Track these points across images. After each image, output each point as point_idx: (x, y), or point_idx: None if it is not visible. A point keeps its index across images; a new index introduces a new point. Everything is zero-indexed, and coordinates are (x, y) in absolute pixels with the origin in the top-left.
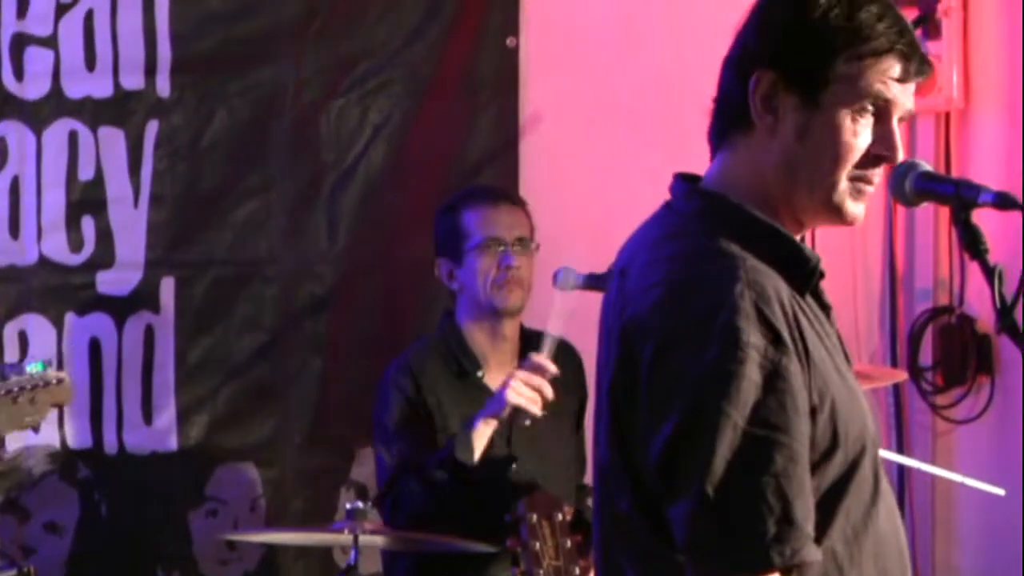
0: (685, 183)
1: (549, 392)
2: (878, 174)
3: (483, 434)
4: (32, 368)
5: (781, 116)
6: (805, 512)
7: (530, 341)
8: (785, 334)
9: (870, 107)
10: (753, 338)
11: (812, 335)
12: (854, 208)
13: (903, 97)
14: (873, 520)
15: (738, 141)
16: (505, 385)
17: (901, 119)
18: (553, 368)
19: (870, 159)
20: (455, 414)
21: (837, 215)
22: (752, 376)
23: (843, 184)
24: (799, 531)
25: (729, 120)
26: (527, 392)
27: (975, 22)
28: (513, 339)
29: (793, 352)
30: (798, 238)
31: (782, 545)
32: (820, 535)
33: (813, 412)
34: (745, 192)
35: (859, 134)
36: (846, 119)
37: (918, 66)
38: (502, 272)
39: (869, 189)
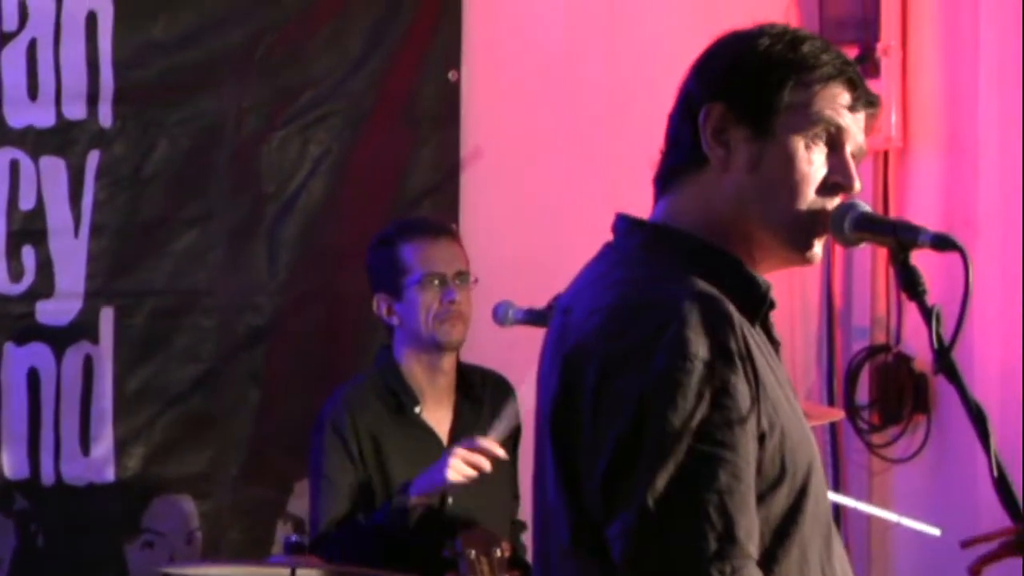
0: (627, 221)
1: (488, 468)
2: (834, 204)
3: (418, 506)
4: None
5: (733, 148)
6: (747, 531)
7: (466, 376)
8: (734, 353)
9: (823, 135)
10: (701, 351)
11: (762, 362)
12: (814, 247)
13: (855, 128)
14: (829, 554)
15: (687, 180)
16: (444, 462)
17: (854, 156)
18: (500, 453)
19: (827, 188)
20: (392, 450)
21: (795, 250)
22: (698, 390)
23: (796, 215)
24: (741, 549)
25: (678, 161)
26: (466, 471)
27: (914, 61)
28: (450, 374)
29: (742, 372)
30: None
31: (722, 563)
32: (773, 566)
33: (762, 438)
34: (694, 226)
35: (813, 162)
36: (799, 146)
37: (866, 97)
38: (444, 307)
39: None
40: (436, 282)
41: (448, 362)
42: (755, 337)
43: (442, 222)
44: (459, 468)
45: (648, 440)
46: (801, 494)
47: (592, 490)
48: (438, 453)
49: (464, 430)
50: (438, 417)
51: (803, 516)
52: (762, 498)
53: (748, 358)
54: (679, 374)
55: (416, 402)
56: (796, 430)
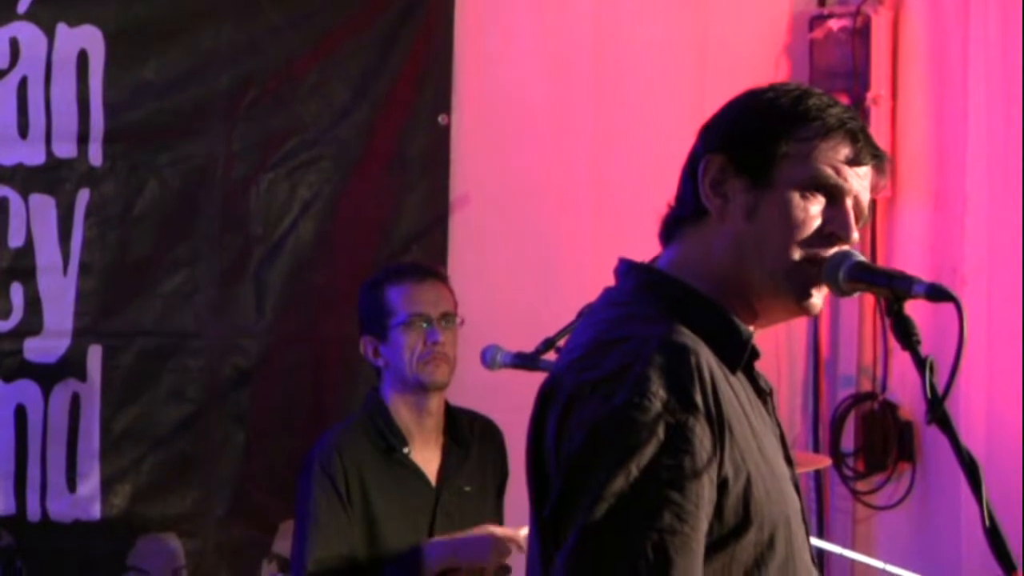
0: (628, 264)
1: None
2: (830, 254)
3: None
4: None
5: (731, 198)
6: (684, 573)
7: (454, 419)
8: (698, 398)
9: (821, 186)
10: (661, 391)
11: (735, 409)
12: (812, 297)
13: (856, 183)
14: None
15: (688, 231)
16: (488, 540)
17: (855, 209)
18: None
19: (823, 237)
20: (379, 490)
21: (794, 302)
22: (653, 428)
23: (792, 264)
24: None
25: (680, 213)
26: (507, 549)
27: (904, 111)
28: (438, 415)
29: (704, 417)
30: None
31: None
32: None
33: (724, 483)
34: (692, 274)
35: (809, 211)
36: (795, 196)
37: (870, 149)
38: (428, 348)
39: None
40: (421, 323)
41: (435, 403)
42: (732, 384)
43: (431, 265)
44: (503, 548)
45: (596, 471)
46: (768, 547)
47: (546, 514)
48: (427, 494)
49: (452, 471)
50: (426, 458)
51: (767, 569)
52: (724, 544)
53: (714, 404)
54: (635, 411)
55: (404, 443)
56: (767, 481)
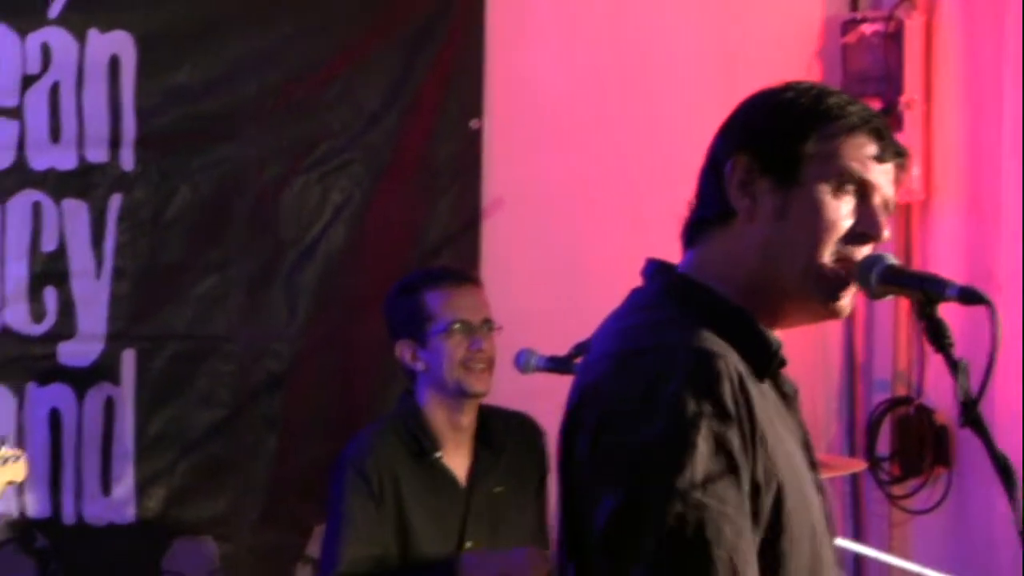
0: (655, 266)
1: None
2: (861, 253)
3: None
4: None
5: (758, 199)
6: None
7: (487, 422)
8: (731, 408)
9: (850, 185)
10: (700, 409)
11: (764, 415)
12: (841, 300)
13: (882, 180)
14: None
15: (714, 233)
16: (523, 553)
17: (883, 207)
18: None
19: (854, 237)
20: (411, 493)
21: (821, 301)
22: (699, 448)
23: (823, 264)
24: None
25: (705, 215)
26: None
27: (938, 114)
28: (472, 420)
29: (737, 427)
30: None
31: None
32: None
33: (757, 490)
34: (717, 278)
35: (840, 210)
36: (826, 195)
37: (894, 148)
38: (471, 354)
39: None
40: (462, 330)
41: (470, 408)
42: (760, 391)
43: (465, 270)
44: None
45: (651, 499)
46: (797, 553)
47: (593, 540)
48: (457, 496)
49: (482, 473)
50: (457, 462)
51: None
52: (759, 553)
53: (746, 413)
54: (678, 434)
55: (437, 447)
56: (795, 488)
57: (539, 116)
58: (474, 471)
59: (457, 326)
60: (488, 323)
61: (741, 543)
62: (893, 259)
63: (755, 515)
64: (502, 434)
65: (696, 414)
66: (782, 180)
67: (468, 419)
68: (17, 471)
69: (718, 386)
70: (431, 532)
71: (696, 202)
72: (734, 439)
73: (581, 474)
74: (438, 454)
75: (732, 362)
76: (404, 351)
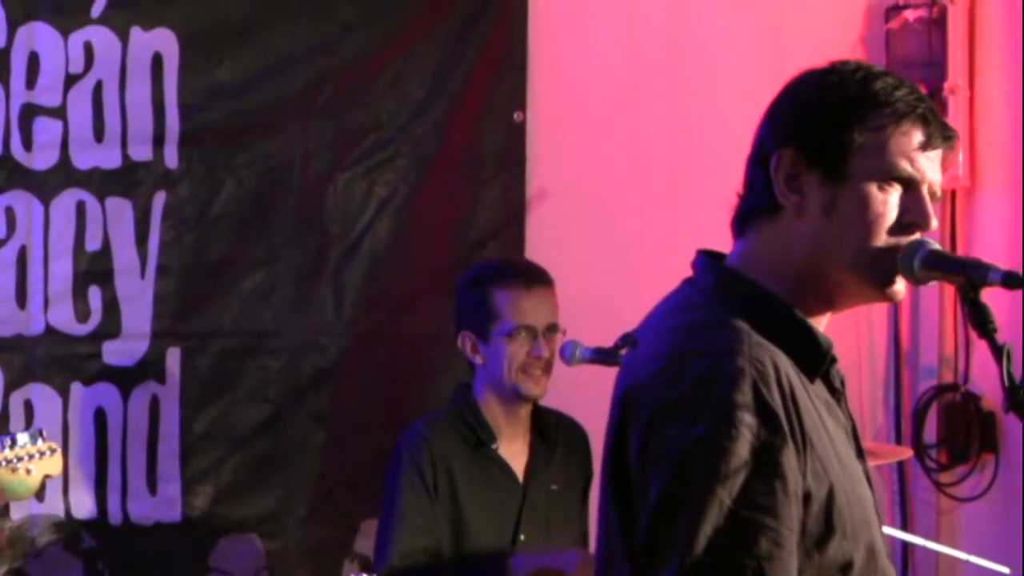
0: (707, 258)
1: None
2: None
3: None
4: (22, 438)
5: (807, 194)
6: None
7: (542, 417)
8: (781, 414)
9: (898, 180)
10: (747, 416)
11: (813, 418)
12: (896, 284)
13: (929, 168)
14: None
15: (763, 225)
16: (573, 555)
17: (930, 194)
18: None
19: (902, 227)
20: (466, 483)
21: (878, 290)
22: (742, 455)
23: (874, 256)
24: None
25: (753, 206)
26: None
27: (981, 100)
28: (527, 415)
29: (788, 434)
30: (823, 322)
31: None
32: None
33: (807, 496)
34: (767, 272)
35: (888, 203)
36: (873, 189)
37: (941, 132)
38: (531, 360)
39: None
40: (525, 335)
41: (526, 407)
42: (810, 391)
43: (538, 269)
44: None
45: (689, 502)
46: (853, 553)
47: (636, 540)
48: (514, 489)
49: (539, 469)
50: (514, 454)
51: (852, 573)
52: (809, 555)
53: (795, 417)
54: (723, 440)
55: (494, 439)
56: (846, 488)
57: (582, 108)
58: (531, 465)
59: (521, 330)
60: (552, 328)
61: (779, 552)
62: (935, 244)
63: (805, 521)
64: (554, 431)
65: (742, 421)
66: (829, 174)
67: (524, 414)
68: (53, 465)
69: (766, 392)
70: (485, 524)
71: (744, 192)
72: (781, 446)
73: (633, 473)
74: (494, 445)
75: (782, 367)
76: (466, 342)
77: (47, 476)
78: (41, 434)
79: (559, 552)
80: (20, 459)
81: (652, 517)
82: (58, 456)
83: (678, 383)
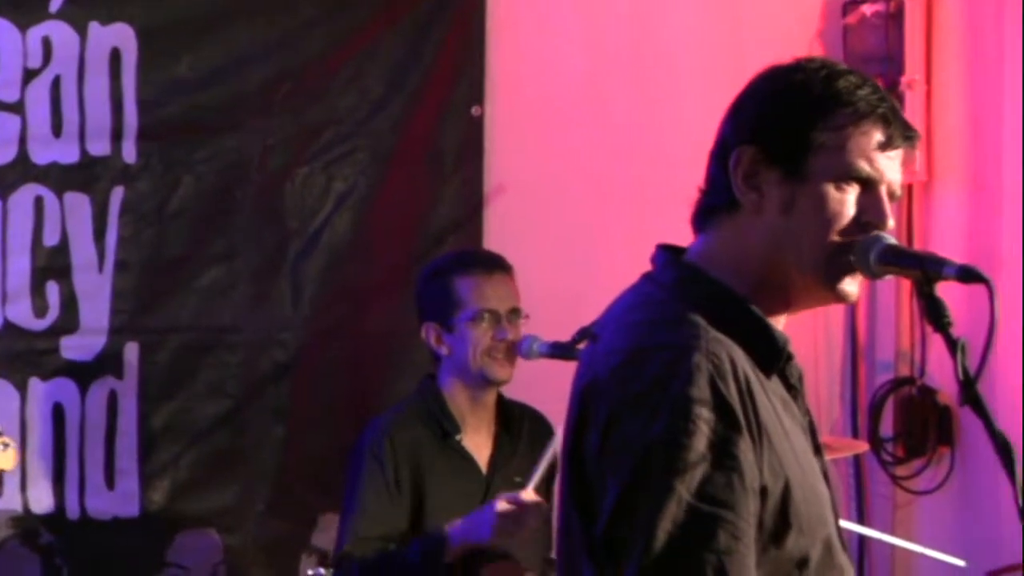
0: (666, 253)
1: (535, 526)
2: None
3: (456, 553)
4: None
5: (765, 192)
6: None
7: (507, 410)
8: (737, 409)
9: (855, 181)
10: (704, 411)
11: (769, 414)
12: (848, 285)
13: (888, 167)
14: None
15: (723, 221)
16: (488, 518)
17: (889, 194)
18: (542, 503)
19: (860, 226)
20: (431, 475)
21: (830, 290)
22: (700, 449)
23: (830, 255)
24: None
25: (714, 202)
26: (511, 529)
27: (938, 95)
28: (491, 405)
29: (744, 428)
30: (781, 320)
31: None
32: None
33: (764, 491)
34: (727, 269)
35: (846, 203)
36: (831, 188)
37: (902, 131)
38: (496, 344)
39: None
40: (489, 319)
41: (491, 395)
42: (766, 388)
43: (498, 256)
44: (504, 527)
45: (648, 497)
46: (808, 548)
47: (597, 537)
48: (477, 481)
49: (503, 461)
50: (478, 446)
51: (808, 570)
52: (766, 550)
53: (752, 412)
54: (681, 435)
55: (458, 430)
56: (801, 483)
57: (542, 103)
58: (495, 457)
59: (484, 315)
60: (516, 312)
61: (736, 546)
62: (891, 239)
63: (762, 515)
64: (519, 423)
65: (699, 416)
66: (788, 173)
67: (488, 405)
68: (6, 460)
69: (723, 387)
70: (447, 514)
71: (706, 187)
72: (738, 440)
73: (592, 469)
74: (458, 437)
75: (739, 362)
76: (430, 333)
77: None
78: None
79: (472, 516)
80: None
81: (612, 513)
82: (11, 451)
83: (636, 380)
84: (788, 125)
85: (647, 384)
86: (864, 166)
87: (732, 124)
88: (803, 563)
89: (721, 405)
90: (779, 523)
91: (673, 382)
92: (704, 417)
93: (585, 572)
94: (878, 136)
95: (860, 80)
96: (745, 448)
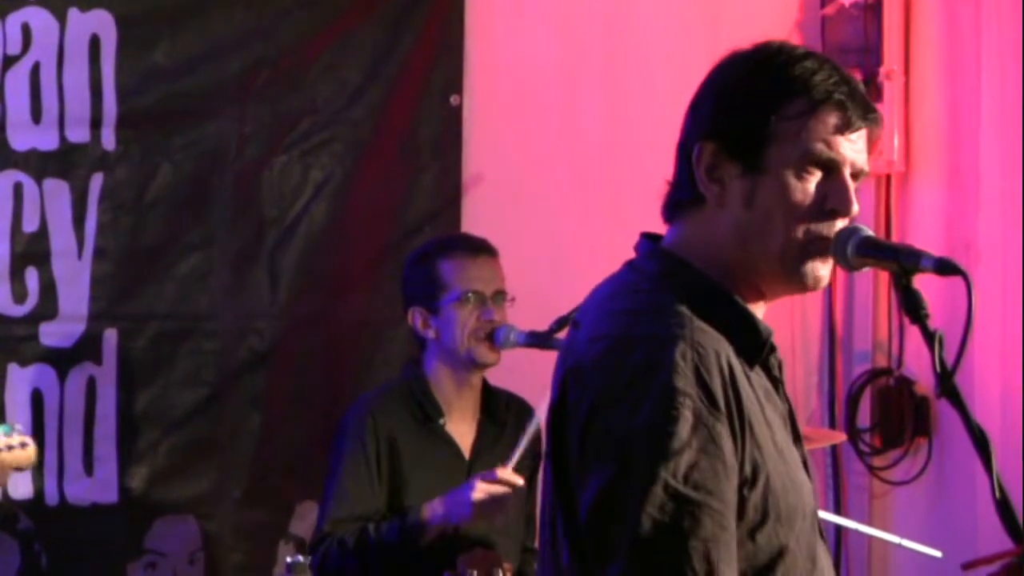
0: (650, 242)
1: (513, 502)
2: (833, 229)
3: (434, 532)
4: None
5: (727, 186)
6: None
7: (491, 396)
8: (721, 400)
9: (814, 167)
10: (688, 400)
11: (752, 404)
12: (814, 271)
13: (850, 151)
14: None
15: (690, 215)
16: (466, 497)
17: (855, 176)
18: (519, 481)
19: (824, 214)
20: (412, 458)
21: (797, 280)
22: (684, 438)
23: (797, 245)
24: None
25: (680, 196)
26: (490, 508)
27: (917, 86)
28: (476, 391)
29: (727, 419)
30: (759, 311)
31: None
32: None
33: (744, 483)
34: (703, 261)
35: (807, 192)
36: (791, 178)
37: (862, 113)
38: (482, 325)
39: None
40: (474, 300)
41: (476, 379)
42: (750, 378)
43: (482, 240)
44: (483, 505)
45: (633, 486)
46: (787, 538)
47: (579, 522)
48: (459, 466)
49: (486, 447)
50: (461, 431)
51: (787, 559)
52: (744, 539)
53: (735, 403)
54: (665, 423)
55: (441, 414)
56: (782, 475)
57: (520, 92)
58: (478, 444)
59: (469, 297)
60: (501, 294)
61: (722, 534)
62: (868, 231)
63: (743, 504)
64: (504, 411)
65: (684, 405)
66: (748, 165)
67: (473, 389)
68: (24, 457)
69: (707, 377)
70: (427, 498)
71: (673, 181)
72: (722, 431)
73: (575, 458)
74: (441, 421)
75: (724, 354)
76: (416, 318)
77: (18, 468)
78: (14, 428)
79: (452, 493)
80: None
81: (595, 502)
82: (31, 449)
83: (620, 369)
84: (744, 119)
85: (631, 373)
86: (822, 149)
87: (693, 118)
88: (782, 552)
89: (705, 395)
90: (759, 513)
91: (657, 372)
92: (688, 406)
93: (567, 561)
94: (835, 120)
95: (816, 64)
96: (727, 437)
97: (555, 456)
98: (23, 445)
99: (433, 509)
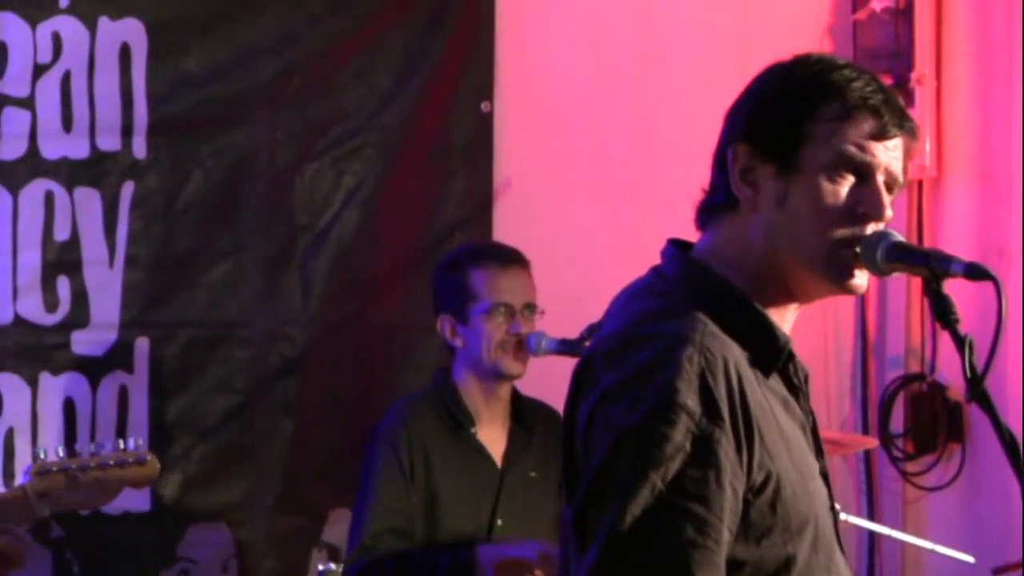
0: (675, 247)
1: None
2: (864, 232)
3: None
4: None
5: (760, 188)
6: None
7: (521, 404)
8: (724, 405)
9: (847, 170)
10: (688, 403)
11: (764, 413)
12: (856, 278)
13: (885, 157)
14: None
15: (724, 219)
16: (531, 554)
17: (890, 185)
18: None
19: (855, 218)
20: (443, 466)
21: (833, 281)
22: (679, 440)
23: (830, 247)
24: None
25: (714, 200)
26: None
27: (948, 91)
28: (506, 399)
29: (730, 425)
30: (790, 314)
31: None
32: None
33: (751, 489)
34: (730, 266)
35: (839, 195)
36: (823, 180)
37: (897, 121)
38: (509, 338)
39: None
40: (504, 312)
41: (505, 389)
42: (763, 386)
43: (514, 250)
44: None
45: (621, 481)
46: (796, 547)
47: (573, 512)
48: (492, 474)
49: (517, 455)
50: (492, 439)
51: (798, 566)
52: (751, 548)
53: (741, 409)
54: (662, 424)
55: (472, 423)
56: (794, 482)
57: (550, 98)
58: (509, 451)
59: (499, 308)
60: (530, 307)
61: (705, 540)
62: (899, 236)
63: (747, 509)
64: (533, 418)
65: (683, 407)
66: (781, 167)
67: (502, 399)
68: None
69: (712, 381)
70: (460, 507)
71: (709, 186)
72: (720, 437)
73: (579, 450)
74: (472, 430)
75: (732, 359)
76: (444, 325)
77: (143, 484)
78: (139, 445)
79: (522, 542)
80: (117, 464)
81: (586, 492)
82: (152, 461)
83: (627, 365)
84: (779, 119)
85: (636, 370)
86: (855, 152)
87: (729, 124)
88: (790, 562)
89: (707, 399)
90: (768, 521)
91: (661, 371)
92: (687, 409)
93: (572, 549)
94: (870, 125)
95: (855, 73)
96: (727, 445)
97: (567, 449)
98: (139, 461)
99: (488, 551)
